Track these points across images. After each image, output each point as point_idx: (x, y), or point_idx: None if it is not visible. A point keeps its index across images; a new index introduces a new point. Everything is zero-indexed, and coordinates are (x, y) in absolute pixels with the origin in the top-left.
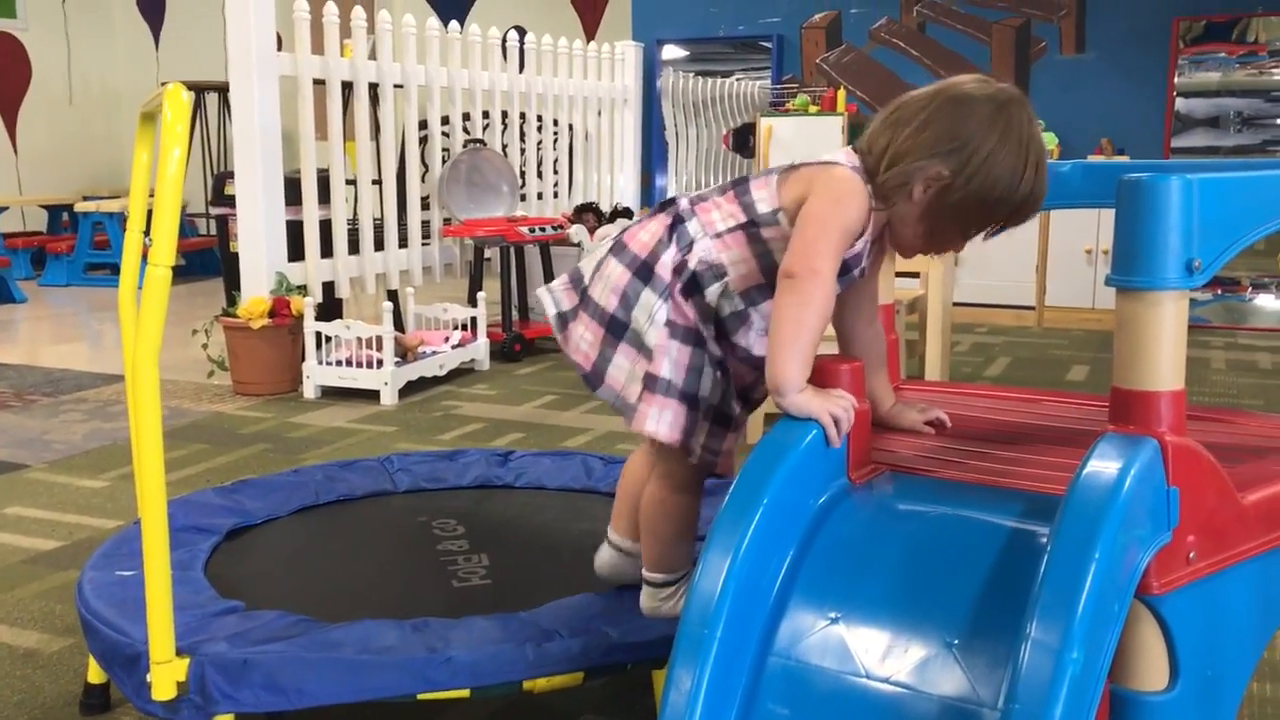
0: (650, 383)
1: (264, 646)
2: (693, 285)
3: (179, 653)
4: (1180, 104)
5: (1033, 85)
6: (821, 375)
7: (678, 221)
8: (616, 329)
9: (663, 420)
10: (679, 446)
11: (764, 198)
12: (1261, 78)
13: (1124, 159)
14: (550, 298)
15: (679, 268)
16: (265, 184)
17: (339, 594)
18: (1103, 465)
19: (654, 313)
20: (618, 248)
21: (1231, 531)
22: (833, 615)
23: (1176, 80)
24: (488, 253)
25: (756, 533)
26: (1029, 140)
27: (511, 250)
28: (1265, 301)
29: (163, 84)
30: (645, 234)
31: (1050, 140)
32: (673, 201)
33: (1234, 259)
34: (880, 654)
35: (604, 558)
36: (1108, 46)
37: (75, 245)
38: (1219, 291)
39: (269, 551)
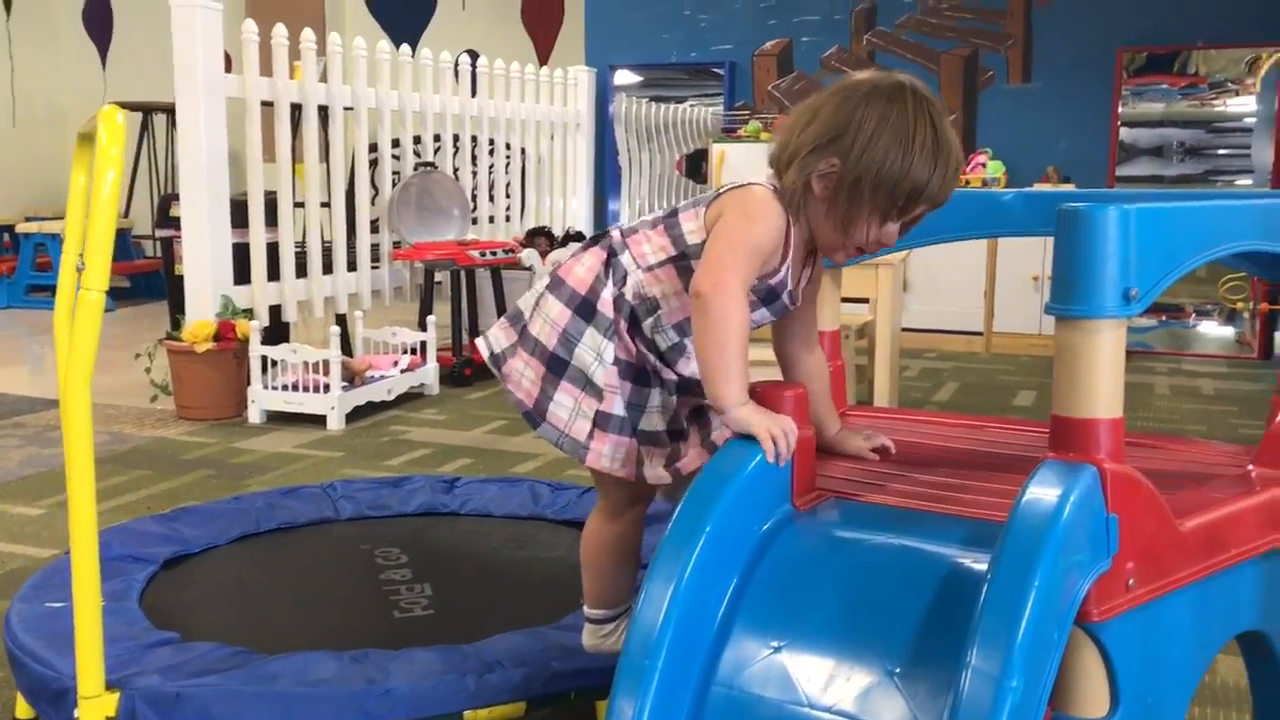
0: (603, 421)
1: (198, 679)
2: (633, 319)
3: (109, 686)
4: (1125, 133)
5: (980, 114)
6: (764, 402)
7: (611, 255)
8: (557, 367)
9: (616, 457)
10: (632, 478)
11: (693, 229)
12: (1203, 109)
13: (1070, 187)
14: (485, 341)
15: (617, 303)
16: (211, 206)
17: (278, 625)
18: (1042, 493)
19: (601, 352)
20: (555, 283)
21: (1170, 558)
22: (775, 644)
23: (1121, 110)
24: (438, 276)
25: (699, 561)
26: (916, 116)
27: (462, 274)
28: (1208, 328)
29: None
30: (581, 269)
31: (997, 168)
32: (606, 234)
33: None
34: (823, 683)
35: (586, 640)
36: (1053, 76)
37: (16, 267)
38: (1163, 318)
39: (207, 581)
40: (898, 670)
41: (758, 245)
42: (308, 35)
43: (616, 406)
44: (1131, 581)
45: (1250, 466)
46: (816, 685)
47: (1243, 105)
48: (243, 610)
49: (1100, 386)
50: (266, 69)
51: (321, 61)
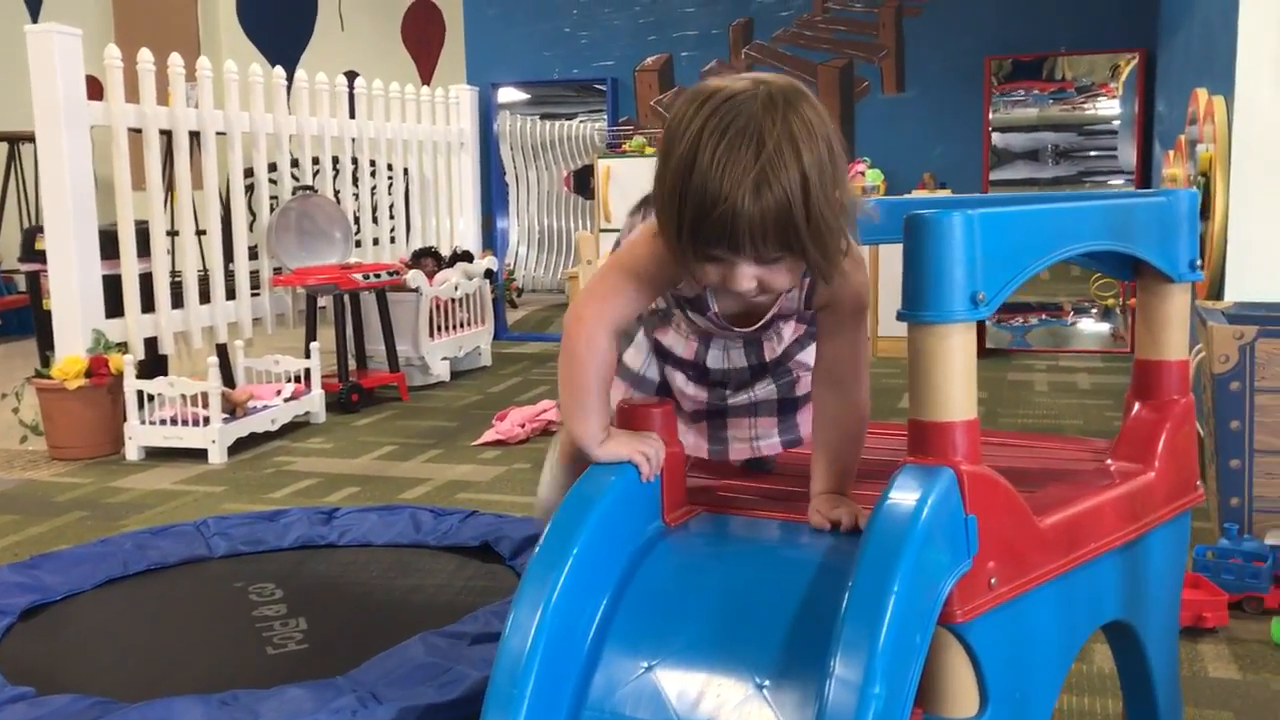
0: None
1: None
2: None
3: None
4: (1000, 139)
5: (857, 124)
6: (632, 419)
7: None
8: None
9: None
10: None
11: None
12: (1074, 112)
13: (946, 193)
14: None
15: None
16: (78, 238)
17: (144, 671)
18: (900, 497)
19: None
20: None
21: (1031, 555)
22: (646, 664)
23: (993, 116)
24: (321, 301)
25: (566, 585)
26: (687, 141)
27: (346, 298)
28: (1086, 325)
29: None
30: None
31: (876, 176)
32: None
33: (1055, 285)
34: (693, 700)
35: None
36: (926, 86)
37: None
38: (1043, 316)
39: (69, 630)
40: (766, 683)
41: (633, 270)
42: (175, 59)
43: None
44: (994, 580)
45: (1109, 460)
46: (687, 702)
47: (1110, 108)
48: (105, 658)
49: (953, 390)
50: (140, 95)
51: (191, 86)
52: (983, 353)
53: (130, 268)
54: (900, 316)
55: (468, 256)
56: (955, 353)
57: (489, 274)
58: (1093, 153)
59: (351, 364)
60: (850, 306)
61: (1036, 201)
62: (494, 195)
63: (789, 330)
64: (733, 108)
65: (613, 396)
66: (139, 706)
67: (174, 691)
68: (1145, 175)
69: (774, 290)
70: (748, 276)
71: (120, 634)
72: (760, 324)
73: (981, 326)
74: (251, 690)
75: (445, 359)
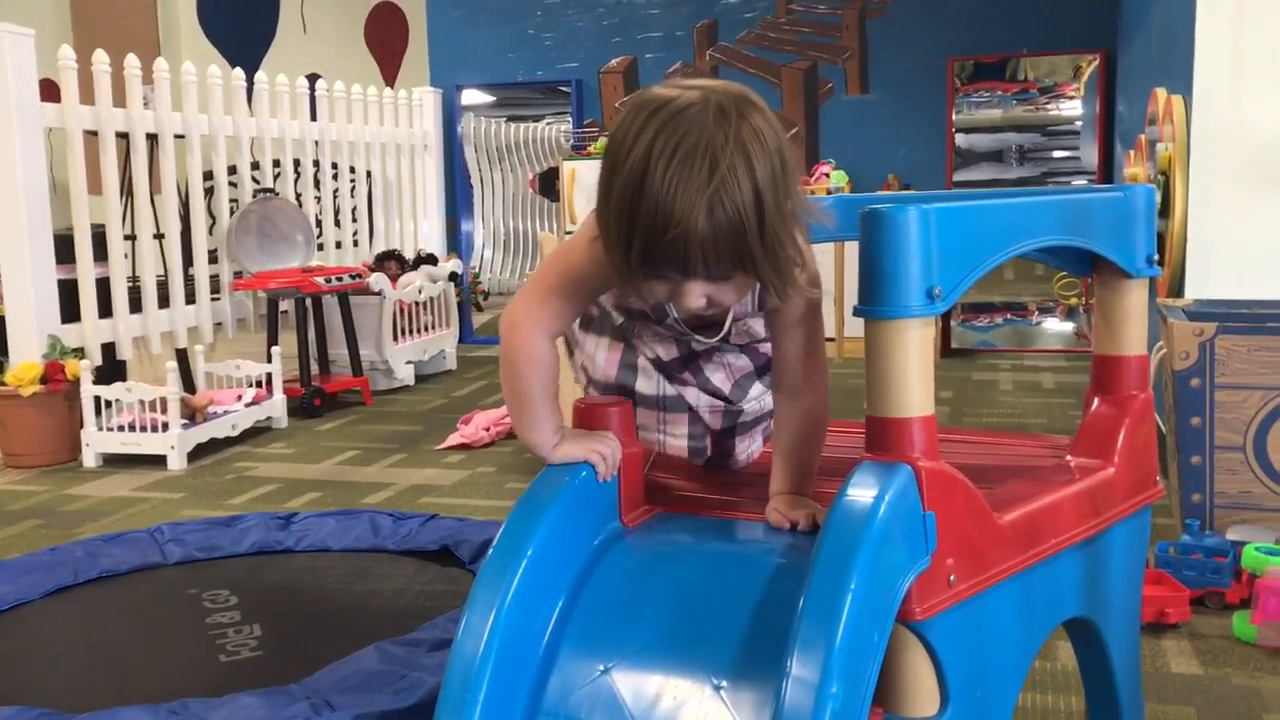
0: None
1: None
2: None
3: None
4: (964, 139)
5: (822, 125)
6: (588, 418)
7: None
8: None
9: None
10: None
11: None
12: (1038, 113)
13: (909, 193)
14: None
15: None
16: (33, 241)
17: (92, 681)
18: (857, 495)
19: None
20: None
21: (990, 552)
22: (602, 666)
23: (957, 117)
24: (283, 305)
25: (520, 587)
26: (659, 133)
27: (308, 301)
28: (1050, 324)
29: None
30: None
31: (841, 178)
32: None
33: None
34: (649, 703)
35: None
36: (889, 87)
37: None
38: (1008, 316)
39: (15, 640)
40: (724, 683)
41: (568, 272)
42: (132, 61)
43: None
44: (953, 578)
45: (1069, 456)
46: (644, 704)
47: (1072, 109)
48: (53, 668)
49: (910, 385)
50: (95, 96)
51: (148, 89)
52: (948, 352)
53: (86, 272)
54: (856, 312)
55: (432, 259)
56: (912, 348)
57: (453, 277)
58: (1056, 153)
59: (314, 368)
60: (800, 306)
61: (993, 197)
62: (459, 198)
63: (759, 326)
64: (683, 122)
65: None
66: (85, 717)
67: (122, 701)
68: (1107, 175)
69: (723, 305)
70: (697, 295)
71: (68, 644)
72: (723, 334)
73: (947, 326)
74: (202, 699)
75: (409, 363)
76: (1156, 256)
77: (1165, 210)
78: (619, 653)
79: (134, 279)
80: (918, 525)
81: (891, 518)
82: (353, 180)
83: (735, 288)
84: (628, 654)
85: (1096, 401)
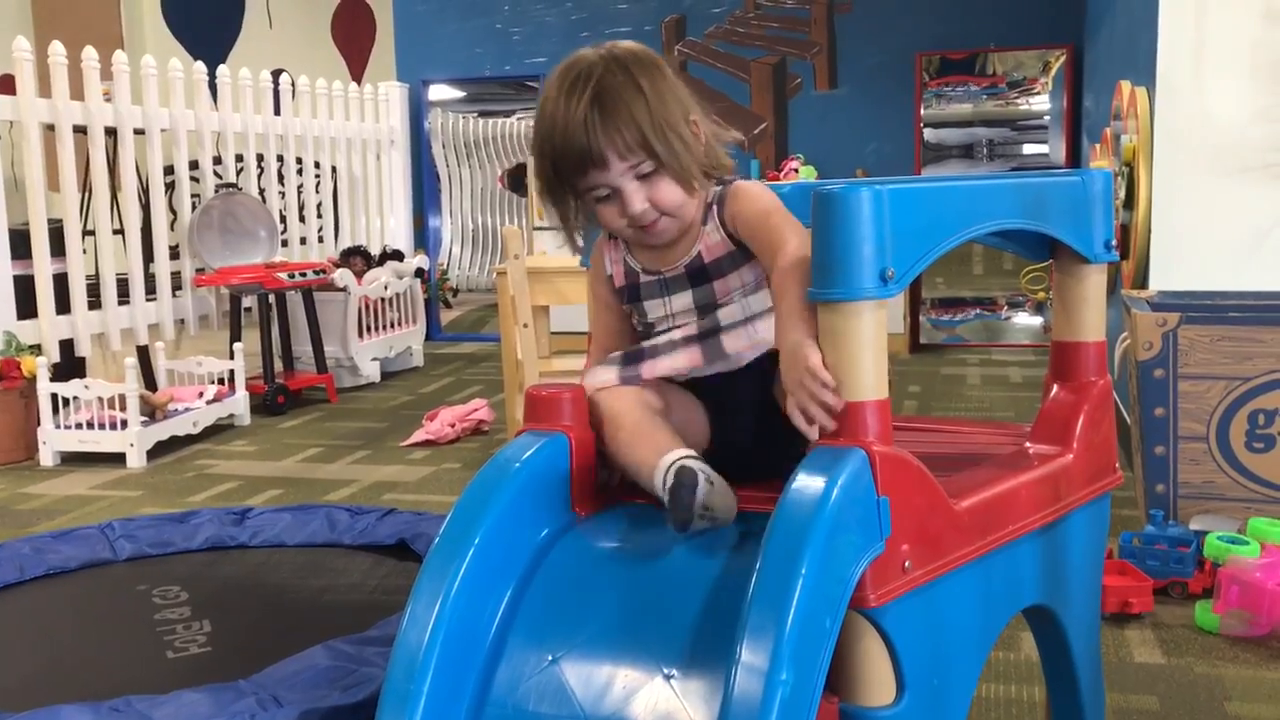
0: None
1: None
2: None
3: None
4: (935, 134)
5: (790, 120)
6: (539, 406)
7: None
8: None
9: None
10: None
11: None
12: (1007, 108)
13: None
14: None
15: None
16: None
17: (32, 680)
18: (810, 479)
19: None
20: None
21: (946, 538)
22: (551, 656)
23: (927, 112)
24: (246, 302)
25: (467, 577)
26: (555, 79)
27: (271, 297)
28: (1020, 319)
29: None
30: None
31: (809, 173)
32: None
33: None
34: (598, 693)
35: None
36: (858, 82)
37: None
38: (978, 311)
39: None
40: (674, 673)
41: (591, 304)
42: (90, 53)
43: None
44: (908, 564)
45: (1028, 444)
46: (593, 695)
47: (1041, 103)
48: None
49: (864, 369)
50: (52, 89)
51: (108, 84)
52: (916, 348)
53: (43, 267)
54: (810, 295)
55: (398, 255)
56: (865, 331)
57: (420, 273)
58: (1025, 148)
59: (278, 365)
60: (757, 216)
61: (949, 179)
62: (426, 193)
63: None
64: (575, 64)
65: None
66: (23, 716)
67: (66, 699)
68: (1074, 169)
69: (667, 206)
70: (635, 195)
71: (10, 641)
72: (689, 259)
73: (915, 322)
74: (146, 696)
75: (375, 359)
76: (1114, 242)
77: (1130, 202)
78: (568, 642)
79: (93, 275)
80: (871, 510)
81: (844, 502)
82: (318, 176)
83: (667, 182)
84: (577, 644)
85: (1055, 388)
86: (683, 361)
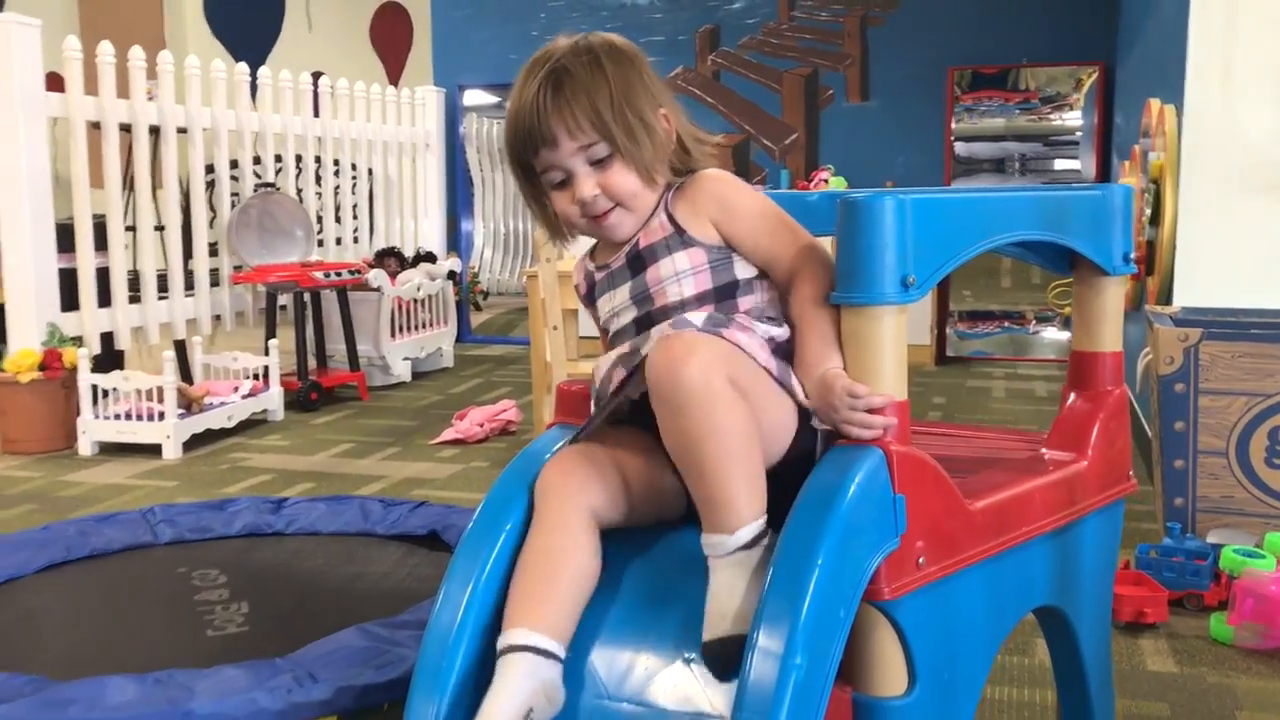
0: None
1: None
2: None
3: None
4: (967, 148)
5: (821, 131)
6: (572, 401)
7: None
8: None
9: None
10: None
11: None
12: (1040, 123)
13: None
14: None
15: None
16: (34, 230)
17: (80, 652)
18: (829, 475)
19: None
20: None
21: (960, 536)
22: (576, 638)
23: (958, 126)
24: (281, 299)
25: (499, 560)
26: (522, 73)
27: (306, 296)
28: (1048, 334)
29: None
30: None
31: (840, 184)
32: None
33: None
34: (621, 674)
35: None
36: (889, 95)
37: None
38: (1005, 324)
39: (6, 612)
40: (693, 656)
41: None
42: (136, 53)
43: None
44: (922, 560)
45: (1043, 449)
46: (616, 677)
47: (1074, 120)
48: (42, 639)
49: (884, 371)
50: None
51: (152, 83)
52: (942, 359)
53: (87, 261)
54: (832, 299)
55: (431, 257)
56: (885, 334)
57: (452, 275)
58: (1056, 163)
59: (312, 362)
60: (755, 216)
61: (971, 191)
62: (459, 197)
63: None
64: (544, 50)
65: None
66: (72, 684)
67: (109, 671)
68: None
69: (618, 193)
70: (585, 180)
71: (58, 617)
72: (629, 247)
73: (942, 334)
74: (188, 670)
75: (406, 359)
76: (1134, 255)
77: (1156, 219)
78: (593, 626)
79: (134, 270)
80: (888, 507)
81: (861, 498)
82: (354, 177)
83: (620, 169)
84: (602, 628)
85: (1072, 396)
86: (616, 382)
